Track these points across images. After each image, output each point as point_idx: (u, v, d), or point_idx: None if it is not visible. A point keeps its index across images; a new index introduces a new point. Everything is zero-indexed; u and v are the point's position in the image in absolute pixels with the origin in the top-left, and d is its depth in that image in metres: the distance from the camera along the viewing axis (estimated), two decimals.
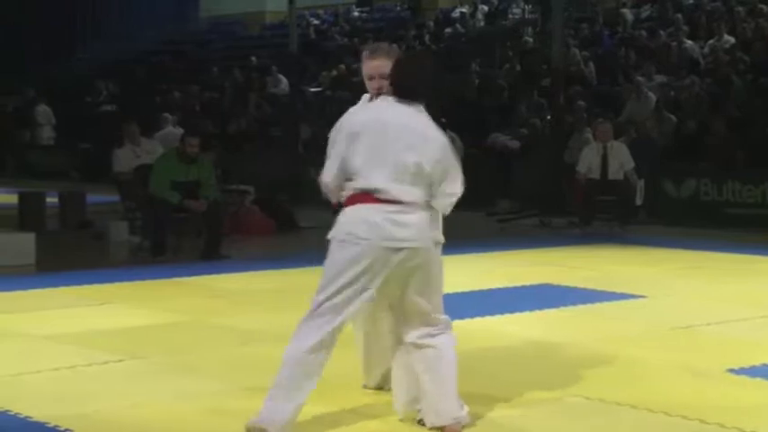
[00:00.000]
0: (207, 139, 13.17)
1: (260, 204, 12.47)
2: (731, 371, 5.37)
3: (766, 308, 7.14)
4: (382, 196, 4.24)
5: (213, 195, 10.05)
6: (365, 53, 4.73)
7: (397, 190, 4.24)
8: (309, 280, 8.67)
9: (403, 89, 4.37)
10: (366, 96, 4.69)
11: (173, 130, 15.70)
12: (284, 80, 20.50)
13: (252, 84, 21.56)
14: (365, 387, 4.99)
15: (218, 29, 28.36)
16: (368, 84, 4.66)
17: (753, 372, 5.35)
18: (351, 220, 4.29)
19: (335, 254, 4.33)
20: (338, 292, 4.28)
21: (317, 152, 20.19)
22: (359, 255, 4.24)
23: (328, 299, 4.29)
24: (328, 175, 4.38)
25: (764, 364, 5.47)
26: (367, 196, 4.25)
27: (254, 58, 23.06)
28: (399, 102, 4.38)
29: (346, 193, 4.33)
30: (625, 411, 4.76)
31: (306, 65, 21.40)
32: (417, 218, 4.28)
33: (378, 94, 4.53)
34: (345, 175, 4.33)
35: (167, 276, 8.75)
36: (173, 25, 27.92)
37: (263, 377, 5.42)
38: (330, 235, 4.38)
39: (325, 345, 4.28)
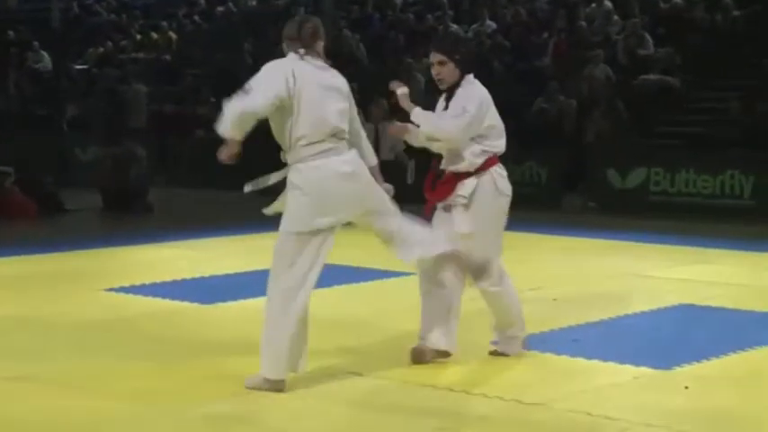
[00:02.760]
0: None
1: (21, 186, 11.91)
2: (493, 342, 5.61)
3: (533, 282, 7.54)
4: None
5: None
6: None
7: None
8: (76, 264, 8.47)
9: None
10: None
11: None
12: (46, 56, 19.57)
13: (10, 60, 20.41)
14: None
15: None
16: None
17: None
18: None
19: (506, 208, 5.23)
20: None
21: (83, 131, 19.45)
22: None
23: None
24: None
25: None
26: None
27: (11, 33, 21.83)
28: None
29: (482, 156, 5.13)
30: (396, 386, 4.90)
31: (70, 41, 20.50)
32: None
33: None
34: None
35: None
36: None
37: (28, 365, 5.21)
38: (507, 191, 5.23)
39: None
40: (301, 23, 4.93)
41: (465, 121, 5.09)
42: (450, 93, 5.23)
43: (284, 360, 4.73)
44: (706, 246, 9.32)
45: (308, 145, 4.78)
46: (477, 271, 5.21)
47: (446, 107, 5.24)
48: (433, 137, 5.20)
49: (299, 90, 4.73)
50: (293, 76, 4.74)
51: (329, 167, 4.77)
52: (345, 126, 4.86)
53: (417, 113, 5.23)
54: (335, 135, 4.81)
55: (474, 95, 5.16)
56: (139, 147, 13.17)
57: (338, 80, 4.92)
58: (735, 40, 14.57)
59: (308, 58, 4.83)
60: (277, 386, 4.72)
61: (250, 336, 5.86)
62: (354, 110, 5.00)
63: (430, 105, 5.44)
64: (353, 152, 4.90)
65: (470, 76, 5.23)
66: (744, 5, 15.14)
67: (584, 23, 15.91)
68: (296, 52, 4.83)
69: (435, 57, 5.23)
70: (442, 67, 5.21)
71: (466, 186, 5.18)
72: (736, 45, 14.50)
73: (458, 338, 5.71)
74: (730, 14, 14.91)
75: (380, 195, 5.04)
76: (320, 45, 4.90)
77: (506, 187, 5.32)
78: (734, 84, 13.81)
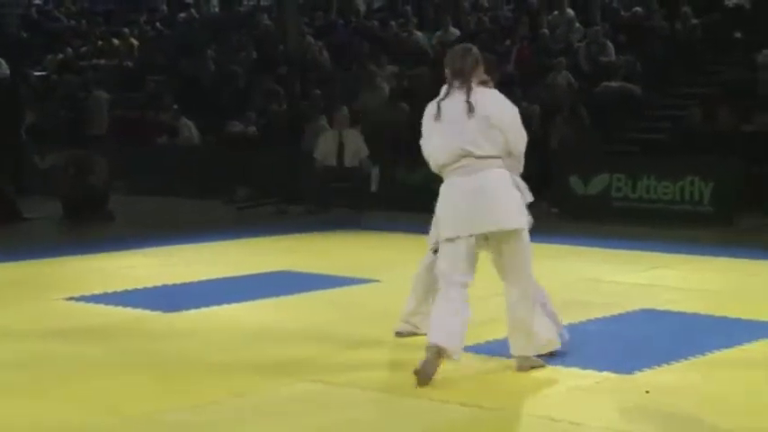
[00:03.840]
0: None
1: None
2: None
3: (496, 287, 7.58)
4: None
5: None
6: None
7: None
8: (36, 272, 8.39)
9: None
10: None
11: None
12: (4, 63, 19.38)
13: None
14: None
15: None
16: None
17: (476, 349, 5.65)
18: None
19: None
20: None
21: (41, 139, 19.17)
22: None
23: None
24: None
25: (487, 342, 5.82)
26: None
27: None
28: None
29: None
30: (359, 394, 4.92)
31: (29, 47, 20.31)
32: None
33: None
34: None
35: None
36: None
37: None
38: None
39: None
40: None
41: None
42: None
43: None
44: (667, 251, 9.43)
45: None
46: None
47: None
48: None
49: None
50: None
51: None
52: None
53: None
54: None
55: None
56: (100, 154, 13.08)
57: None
58: (694, 48, 14.77)
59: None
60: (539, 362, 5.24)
61: (213, 343, 5.87)
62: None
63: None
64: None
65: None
66: (702, 14, 15.36)
67: (546, 31, 16.05)
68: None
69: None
70: None
71: None
72: (695, 53, 14.70)
73: (417, 345, 5.77)
74: (689, 23, 15.12)
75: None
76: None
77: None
78: (693, 91, 14.00)
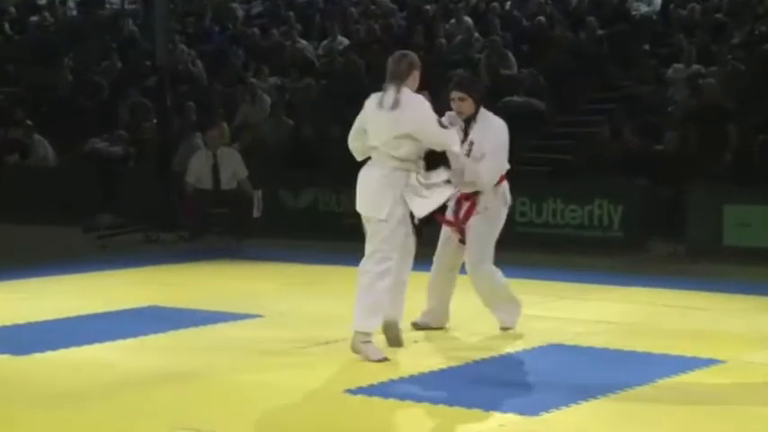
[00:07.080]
0: None
1: None
2: (349, 391, 5.67)
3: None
4: None
5: None
6: None
7: None
8: None
9: None
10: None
11: None
12: None
13: None
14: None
15: None
16: None
17: (370, 391, 5.68)
18: None
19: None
20: None
21: None
22: None
23: None
24: None
25: (381, 383, 5.83)
26: None
27: None
28: None
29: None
30: None
31: None
32: None
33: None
34: None
35: None
36: None
37: None
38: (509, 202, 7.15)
39: None
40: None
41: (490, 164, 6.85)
42: (468, 122, 6.90)
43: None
44: (574, 281, 9.61)
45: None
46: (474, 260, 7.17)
47: (464, 138, 6.81)
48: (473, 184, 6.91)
49: None
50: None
51: None
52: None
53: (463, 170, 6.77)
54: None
55: (491, 133, 6.87)
56: None
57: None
58: (599, 61, 15.13)
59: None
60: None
61: (71, 389, 5.72)
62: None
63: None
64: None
65: (483, 109, 6.96)
66: (607, 24, 15.80)
67: (443, 41, 16.28)
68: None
69: (457, 94, 6.94)
70: (462, 103, 6.92)
71: (483, 199, 6.95)
72: (601, 66, 15.07)
73: (300, 385, 5.72)
74: (595, 34, 15.53)
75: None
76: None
77: (509, 198, 7.15)
78: (599, 107, 14.35)
